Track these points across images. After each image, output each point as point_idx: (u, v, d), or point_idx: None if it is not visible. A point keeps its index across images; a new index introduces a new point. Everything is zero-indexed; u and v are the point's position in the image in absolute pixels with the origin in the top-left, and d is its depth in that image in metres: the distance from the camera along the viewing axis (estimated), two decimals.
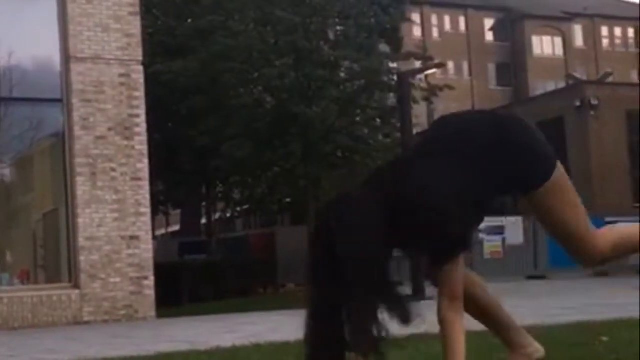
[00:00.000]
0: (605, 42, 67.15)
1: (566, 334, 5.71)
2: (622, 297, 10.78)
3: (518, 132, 3.53)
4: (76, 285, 14.54)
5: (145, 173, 15.26)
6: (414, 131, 21.39)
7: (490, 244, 25.10)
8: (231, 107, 25.33)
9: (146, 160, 15.25)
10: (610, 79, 43.80)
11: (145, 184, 15.30)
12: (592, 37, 66.65)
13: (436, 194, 3.22)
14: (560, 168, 3.62)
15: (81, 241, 14.54)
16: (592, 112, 31.45)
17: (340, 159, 26.55)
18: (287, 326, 10.36)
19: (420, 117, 35.95)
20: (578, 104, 31.71)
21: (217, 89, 25.59)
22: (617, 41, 67.29)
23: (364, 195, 3.24)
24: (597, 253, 3.65)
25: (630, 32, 67.21)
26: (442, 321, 3.33)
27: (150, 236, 15.87)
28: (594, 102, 31.41)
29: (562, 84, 50.85)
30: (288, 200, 29.63)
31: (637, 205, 30.97)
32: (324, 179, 25.90)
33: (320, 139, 25.01)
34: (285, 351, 5.88)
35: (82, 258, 14.52)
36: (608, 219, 29.05)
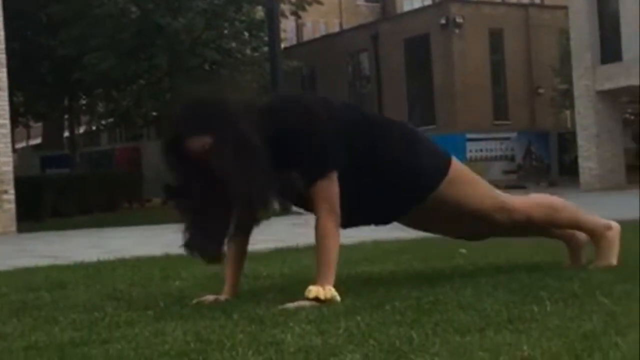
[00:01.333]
0: None
1: (426, 248, 5.86)
2: None
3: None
4: None
5: (3, 83, 14.73)
6: (282, 45, 21.27)
7: None
8: (94, 16, 24.54)
9: (4, 70, 14.70)
10: None
11: (4, 95, 14.78)
12: None
13: (317, 122, 3.47)
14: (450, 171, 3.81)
15: None
16: (456, 30, 31.93)
17: (208, 73, 26.21)
18: (153, 240, 10.32)
19: (288, 31, 35.80)
20: (443, 21, 32.12)
21: None
22: None
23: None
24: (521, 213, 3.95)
25: None
26: (319, 232, 3.42)
27: (9, 149, 15.41)
28: (459, 20, 31.87)
29: (428, 1, 51.36)
30: (154, 114, 29.14)
31: (497, 122, 31.90)
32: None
33: (187, 51, 24.60)
34: (150, 264, 5.85)
35: None
36: (469, 136, 30.02)
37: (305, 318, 3.04)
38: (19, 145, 43.60)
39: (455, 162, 3.84)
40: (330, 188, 3.43)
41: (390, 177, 3.65)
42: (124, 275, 5.15)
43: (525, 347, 2.37)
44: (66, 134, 34.78)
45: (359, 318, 2.98)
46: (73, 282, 4.89)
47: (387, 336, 2.65)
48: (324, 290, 3.35)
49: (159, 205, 21.38)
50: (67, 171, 27.18)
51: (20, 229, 14.78)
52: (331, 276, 3.41)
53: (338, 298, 3.36)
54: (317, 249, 3.46)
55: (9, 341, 2.94)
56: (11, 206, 14.93)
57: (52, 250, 9.29)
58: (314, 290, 3.35)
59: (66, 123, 33.92)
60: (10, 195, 14.97)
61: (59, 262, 6.81)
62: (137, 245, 9.41)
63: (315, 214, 3.46)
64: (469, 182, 3.88)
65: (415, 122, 32.11)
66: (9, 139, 15.24)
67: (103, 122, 33.51)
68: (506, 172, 29.68)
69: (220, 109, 3.37)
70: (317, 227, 3.45)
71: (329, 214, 3.42)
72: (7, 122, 15.04)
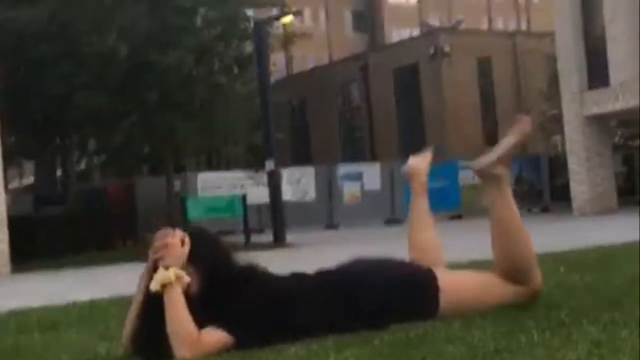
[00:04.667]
0: None
1: None
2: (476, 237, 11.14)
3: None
4: None
5: None
6: (272, 79, 21.36)
7: (349, 190, 25.51)
8: (84, 55, 24.63)
9: None
10: (462, 26, 44.81)
11: None
12: None
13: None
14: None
15: None
16: (445, 59, 32.12)
17: (198, 109, 26.28)
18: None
19: (278, 64, 35.95)
20: (432, 51, 32.34)
21: (69, 35, 24.81)
22: None
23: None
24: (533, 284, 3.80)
25: None
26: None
27: (2, 189, 15.41)
28: (447, 49, 32.09)
29: (417, 31, 51.70)
30: (146, 150, 29.16)
31: (488, 149, 31.99)
32: (182, 128, 25.61)
33: (177, 87, 24.68)
34: None
35: None
36: (463, 164, 30.10)
37: (294, 354, 3.07)
38: (11, 186, 43.56)
39: (441, 273, 3.76)
40: (215, 339, 3.31)
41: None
42: (118, 315, 5.15)
43: None
44: (58, 172, 34.77)
45: (348, 353, 3.00)
46: (65, 322, 4.91)
47: None
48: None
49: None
50: (60, 209, 27.15)
51: (14, 270, 14.75)
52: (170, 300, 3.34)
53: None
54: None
55: None
56: (4, 247, 14.92)
57: (45, 290, 9.29)
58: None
59: (58, 161, 33.92)
60: (4, 235, 14.97)
61: (52, 302, 6.81)
62: (131, 283, 9.40)
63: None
64: (464, 283, 3.80)
65: (406, 151, 32.24)
66: (1, 180, 15.26)
67: (95, 159, 33.51)
68: None
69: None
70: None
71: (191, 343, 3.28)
72: (0, 163, 15.06)
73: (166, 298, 3.30)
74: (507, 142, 3.79)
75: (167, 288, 3.31)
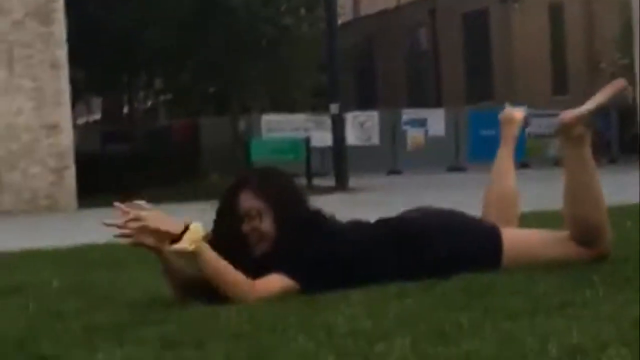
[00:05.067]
0: None
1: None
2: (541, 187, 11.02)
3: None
4: None
5: (64, 60, 14.93)
6: (338, 22, 21.22)
7: (413, 136, 25.35)
8: None
9: (65, 47, 14.89)
10: None
11: (65, 72, 14.99)
12: None
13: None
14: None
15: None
16: (515, 5, 31.53)
17: (265, 50, 26.27)
18: (209, 215, 10.36)
19: (345, 6, 35.67)
20: None
21: None
22: None
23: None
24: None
25: None
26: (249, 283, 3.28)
27: (70, 125, 15.64)
28: None
29: None
30: (212, 90, 29.30)
31: (556, 98, 31.48)
32: (248, 69, 25.66)
33: (244, 28, 24.68)
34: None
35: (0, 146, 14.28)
36: (529, 112, 29.67)
37: (355, 301, 3.07)
38: (79, 121, 44.20)
39: (506, 232, 3.70)
40: (277, 286, 3.29)
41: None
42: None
43: (575, 334, 2.36)
44: (125, 110, 35.16)
45: (409, 301, 2.99)
46: (129, 260, 4.96)
47: (437, 320, 2.66)
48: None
49: (216, 180, 21.55)
50: (126, 147, 27.49)
51: (81, 205, 15.00)
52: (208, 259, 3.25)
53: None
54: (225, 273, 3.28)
55: (67, 321, 3.01)
56: (72, 182, 15.17)
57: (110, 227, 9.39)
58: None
59: (125, 98, 34.28)
60: (71, 172, 15.21)
61: (116, 240, 6.83)
62: (195, 220, 9.49)
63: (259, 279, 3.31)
64: (527, 241, 3.74)
65: (472, 98, 31.87)
66: (69, 115, 15.46)
67: (161, 97, 33.79)
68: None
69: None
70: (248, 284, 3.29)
71: (260, 288, 3.27)
72: (68, 98, 15.24)
73: (201, 256, 3.21)
74: (596, 101, 3.69)
75: (199, 245, 3.20)
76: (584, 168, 3.69)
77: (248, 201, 3.40)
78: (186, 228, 3.20)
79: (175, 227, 3.22)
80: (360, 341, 2.45)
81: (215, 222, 3.49)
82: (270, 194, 3.40)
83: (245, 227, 3.38)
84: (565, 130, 3.67)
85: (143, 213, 3.27)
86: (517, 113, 4.27)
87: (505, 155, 4.15)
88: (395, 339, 2.44)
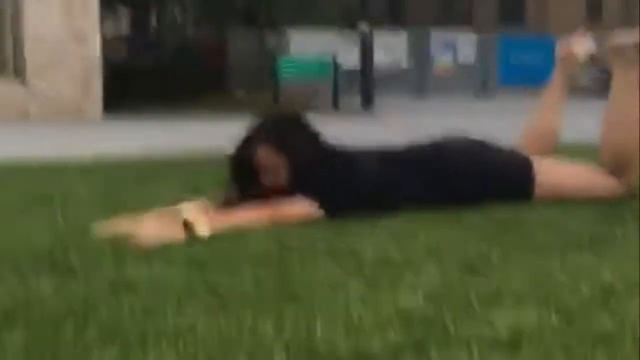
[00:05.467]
0: None
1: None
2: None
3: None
4: (22, 82, 14.33)
5: None
6: None
7: (441, 61, 25.07)
8: None
9: None
10: None
11: None
12: None
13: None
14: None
15: (27, 37, 14.22)
16: None
17: None
18: (235, 131, 10.32)
19: None
20: None
21: None
22: None
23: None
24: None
25: None
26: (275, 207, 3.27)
27: (98, 35, 15.56)
28: None
29: None
30: (240, 4, 29.01)
31: (590, 23, 30.99)
32: None
33: None
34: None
35: (27, 54, 14.24)
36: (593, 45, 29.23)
37: (382, 229, 3.05)
38: (107, 31, 44.02)
39: (539, 162, 3.65)
40: (302, 211, 3.26)
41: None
42: (204, 167, 5.19)
43: (606, 274, 2.34)
44: (153, 22, 34.97)
45: (437, 233, 2.97)
46: (155, 174, 4.95)
47: (465, 253, 2.65)
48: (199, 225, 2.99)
49: (241, 97, 21.51)
50: (153, 59, 27.41)
51: (107, 116, 15.01)
52: (220, 227, 3.04)
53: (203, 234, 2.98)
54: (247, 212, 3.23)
55: (91, 235, 3.02)
56: (98, 92, 15.17)
57: (134, 138, 9.39)
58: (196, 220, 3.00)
59: (153, 10, 34.07)
60: (98, 81, 15.20)
61: (140, 151, 6.80)
62: (219, 136, 9.48)
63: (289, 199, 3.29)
64: (559, 172, 3.68)
65: (505, 21, 31.37)
66: (97, 25, 15.37)
67: (189, 11, 33.55)
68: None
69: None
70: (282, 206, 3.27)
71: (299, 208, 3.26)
72: (96, 7, 15.12)
73: (214, 231, 2.98)
74: None
75: (207, 228, 2.98)
76: (633, 92, 3.63)
77: (266, 158, 3.34)
78: (185, 224, 2.96)
79: (177, 233, 2.94)
80: (387, 270, 2.44)
81: (231, 171, 3.44)
82: (289, 152, 3.35)
83: (264, 179, 3.36)
84: (616, 53, 3.62)
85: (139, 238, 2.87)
86: (580, 48, 3.99)
87: (557, 88, 4.00)
88: (421, 270, 2.43)
